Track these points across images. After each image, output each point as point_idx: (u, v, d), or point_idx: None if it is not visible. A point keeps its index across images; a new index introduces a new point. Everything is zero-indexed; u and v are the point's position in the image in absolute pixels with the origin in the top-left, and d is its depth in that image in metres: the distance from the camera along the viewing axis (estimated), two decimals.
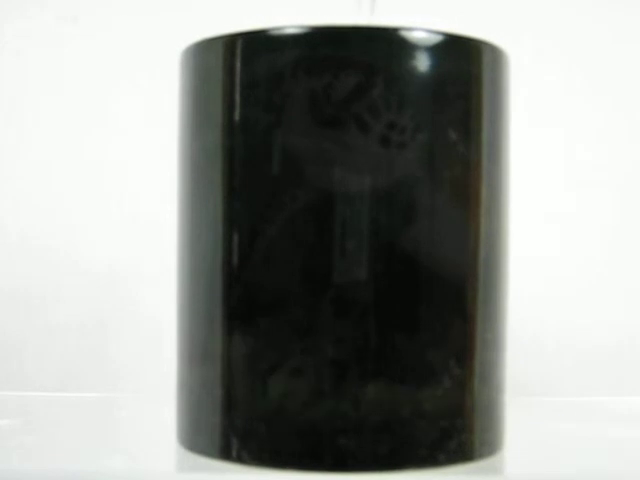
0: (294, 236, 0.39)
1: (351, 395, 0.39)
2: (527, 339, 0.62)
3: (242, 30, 0.41)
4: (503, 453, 0.43)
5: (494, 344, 0.42)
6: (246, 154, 0.40)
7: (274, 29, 0.40)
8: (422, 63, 0.40)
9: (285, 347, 0.39)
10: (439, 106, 0.40)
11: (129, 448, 0.45)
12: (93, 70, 0.63)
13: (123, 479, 0.40)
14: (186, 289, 0.42)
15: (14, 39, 0.63)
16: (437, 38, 0.40)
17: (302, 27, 0.40)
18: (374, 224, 0.39)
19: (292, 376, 0.39)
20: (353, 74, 0.39)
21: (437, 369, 0.40)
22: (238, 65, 0.40)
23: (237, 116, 0.40)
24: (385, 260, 0.39)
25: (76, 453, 0.43)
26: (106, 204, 0.62)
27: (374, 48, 0.39)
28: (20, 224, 0.63)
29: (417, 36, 0.40)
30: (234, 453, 0.40)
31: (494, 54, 0.42)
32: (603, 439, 0.47)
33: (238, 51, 0.40)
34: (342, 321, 0.39)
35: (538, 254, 0.62)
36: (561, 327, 0.63)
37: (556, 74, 0.63)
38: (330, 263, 0.39)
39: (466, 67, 0.41)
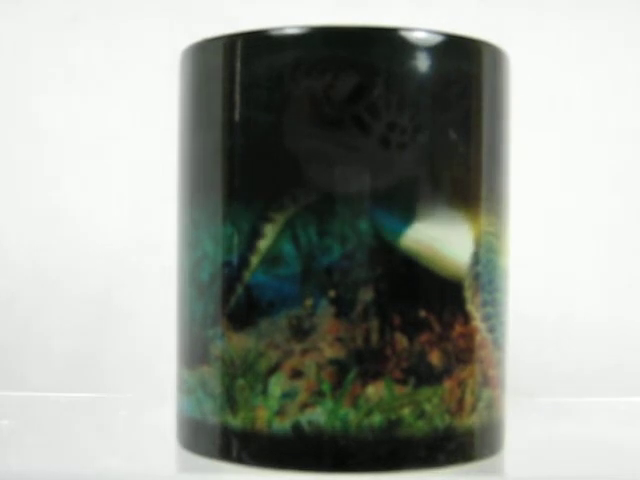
0: (294, 235, 0.39)
1: (351, 395, 0.39)
2: (527, 339, 0.62)
3: (242, 30, 0.41)
4: (503, 454, 0.43)
5: (494, 344, 0.42)
6: (246, 154, 0.40)
7: (274, 29, 0.40)
8: (422, 63, 0.40)
9: (285, 347, 0.39)
10: (439, 106, 0.40)
11: (129, 448, 0.45)
12: (93, 70, 0.63)
13: (123, 479, 0.40)
14: (186, 289, 0.42)
15: (14, 39, 0.63)
16: (437, 38, 0.40)
17: (302, 27, 0.40)
18: (374, 224, 0.39)
19: (292, 376, 0.39)
20: (353, 74, 0.39)
21: (437, 369, 0.40)
22: (238, 65, 0.40)
23: (237, 116, 0.40)
24: (385, 260, 0.39)
25: (76, 453, 0.43)
26: (106, 204, 0.62)
27: (374, 48, 0.39)
28: (22, 223, 0.63)
29: (417, 36, 0.40)
30: (234, 453, 0.40)
31: (494, 54, 0.42)
32: (603, 440, 0.47)
33: (238, 51, 0.40)
34: (342, 321, 0.39)
35: (538, 254, 0.62)
36: (561, 327, 0.63)
37: (556, 74, 0.63)
38: (330, 263, 0.39)
39: (466, 67, 0.41)
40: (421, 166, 0.39)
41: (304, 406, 0.39)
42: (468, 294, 0.40)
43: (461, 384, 0.40)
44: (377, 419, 0.39)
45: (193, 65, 0.42)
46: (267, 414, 0.39)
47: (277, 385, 0.39)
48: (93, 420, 0.52)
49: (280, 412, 0.39)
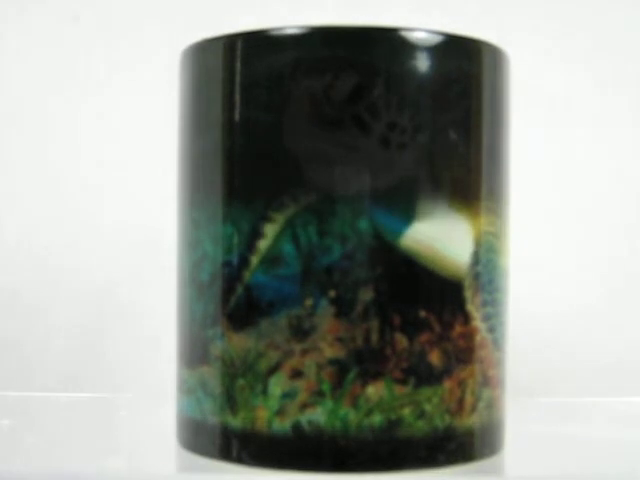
0: (294, 235, 0.39)
1: (351, 395, 0.39)
2: (527, 339, 0.62)
3: (242, 30, 0.41)
4: (503, 454, 0.43)
5: (494, 344, 0.42)
6: (246, 154, 0.40)
7: (274, 29, 0.40)
8: (422, 63, 0.40)
9: (285, 347, 0.39)
10: (439, 106, 0.40)
11: (129, 448, 0.45)
12: (93, 70, 0.63)
13: (123, 479, 0.40)
14: (186, 289, 0.42)
15: (14, 38, 0.63)
16: (437, 38, 0.40)
17: (302, 27, 0.40)
18: (374, 224, 0.39)
19: (292, 376, 0.39)
20: (353, 74, 0.39)
21: (437, 369, 0.40)
22: (238, 65, 0.40)
23: (237, 116, 0.40)
24: (385, 260, 0.39)
25: (76, 453, 0.43)
26: (106, 204, 0.62)
27: (374, 48, 0.39)
28: (20, 226, 0.63)
29: (417, 36, 0.40)
30: (234, 454, 0.40)
31: (494, 54, 0.42)
32: (603, 440, 0.47)
33: (238, 51, 0.40)
34: (342, 321, 0.39)
35: (538, 254, 0.62)
36: (561, 327, 0.63)
37: (556, 74, 0.63)
38: (330, 263, 0.39)
39: (466, 67, 0.41)
40: (421, 166, 0.39)
41: (304, 406, 0.39)
42: (468, 294, 0.40)
43: (461, 384, 0.40)
44: (377, 419, 0.39)
45: (193, 65, 0.42)
46: (267, 414, 0.39)
47: (277, 385, 0.39)
48: (93, 420, 0.52)
49: (280, 412, 0.39)
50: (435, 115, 0.40)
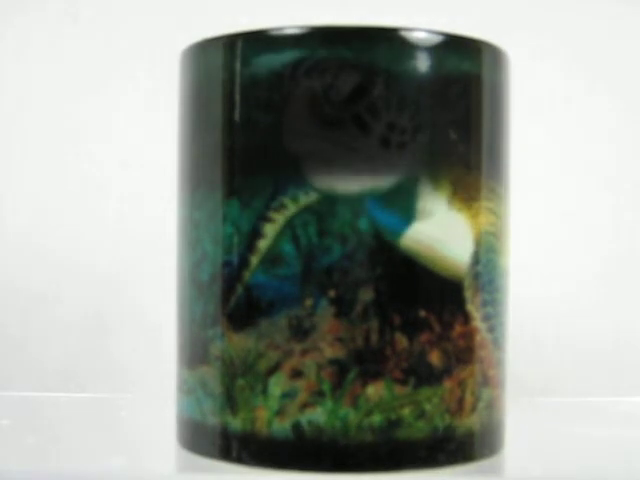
0: (294, 235, 0.39)
1: (351, 395, 0.39)
2: (527, 339, 0.62)
3: (242, 30, 0.41)
4: (503, 454, 0.43)
5: (494, 344, 0.42)
6: (246, 154, 0.40)
7: (274, 29, 0.40)
8: (422, 63, 0.40)
9: (285, 347, 0.39)
10: (439, 106, 0.40)
11: (129, 448, 0.45)
12: (93, 70, 0.63)
13: (123, 479, 0.40)
14: (186, 289, 0.42)
15: (14, 38, 0.63)
16: (437, 38, 0.40)
17: (302, 27, 0.40)
18: (374, 224, 0.39)
19: (292, 376, 0.39)
20: (353, 74, 0.39)
21: (437, 369, 0.40)
22: (238, 65, 0.40)
23: (237, 116, 0.40)
24: (385, 260, 0.39)
25: (76, 453, 0.43)
26: (106, 204, 0.62)
27: (374, 48, 0.39)
28: (22, 224, 0.63)
29: (417, 36, 0.40)
30: (234, 454, 0.40)
31: (494, 54, 0.42)
32: (603, 439, 0.47)
33: (238, 51, 0.40)
34: (342, 321, 0.39)
35: (538, 254, 0.62)
36: (561, 327, 0.63)
37: (556, 73, 0.63)
38: (330, 263, 0.39)
39: (466, 67, 0.41)
40: (421, 166, 0.39)
41: (304, 406, 0.39)
42: (468, 294, 0.40)
43: (461, 384, 0.40)
44: (377, 419, 0.39)
45: (193, 65, 0.42)
46: (267, 414, 0.39)
47: (277, 385, 0.39)
48: (93, 420, 0.52)
49: (280, 412, 0.39)
50: (435, 115, 0.40)
